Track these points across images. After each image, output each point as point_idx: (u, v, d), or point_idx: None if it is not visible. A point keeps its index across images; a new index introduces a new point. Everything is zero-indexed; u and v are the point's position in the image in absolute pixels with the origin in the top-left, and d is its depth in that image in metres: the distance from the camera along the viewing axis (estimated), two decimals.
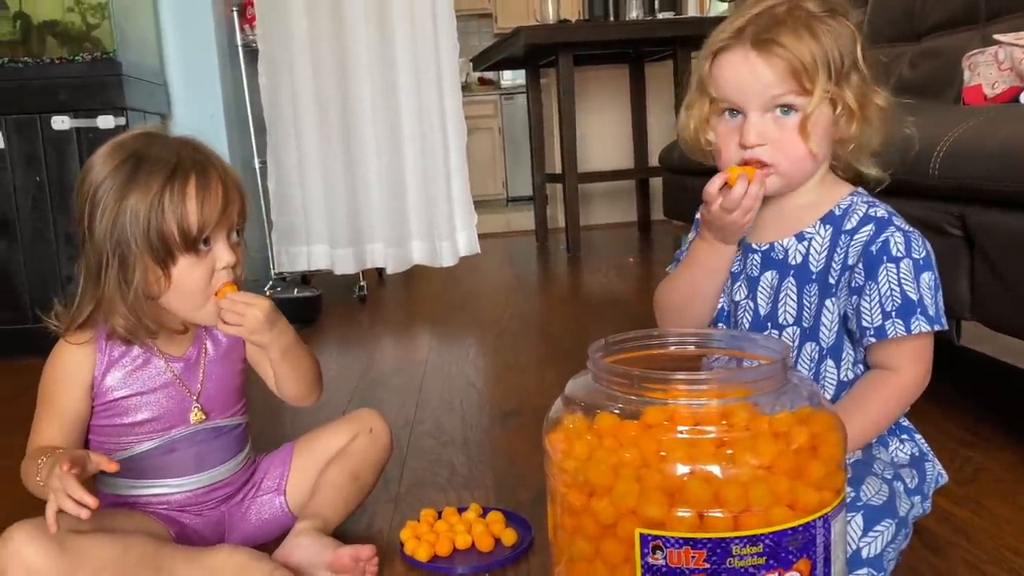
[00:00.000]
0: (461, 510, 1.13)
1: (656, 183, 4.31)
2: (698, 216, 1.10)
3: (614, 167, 4.61)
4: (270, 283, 2.79)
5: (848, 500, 0.83)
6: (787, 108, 0.92)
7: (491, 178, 6.72)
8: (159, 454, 1.01)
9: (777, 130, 0.92)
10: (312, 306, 2.65)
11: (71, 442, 0.97)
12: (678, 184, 2.73)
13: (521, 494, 1.21)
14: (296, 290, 2.72)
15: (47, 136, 2.33)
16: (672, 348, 0.78)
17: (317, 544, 0.99)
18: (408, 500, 1.23)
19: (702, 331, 0.86)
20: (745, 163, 0.93)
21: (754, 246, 1.00)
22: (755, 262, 1.00)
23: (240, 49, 3.01)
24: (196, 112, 2.89)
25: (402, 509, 1.19)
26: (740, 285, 1.01)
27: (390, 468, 1.35)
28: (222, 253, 0.96)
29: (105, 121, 2.32)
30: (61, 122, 2.32)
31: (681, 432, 0.66)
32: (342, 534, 1.09)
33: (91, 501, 0.81)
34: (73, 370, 0.98)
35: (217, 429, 1.05)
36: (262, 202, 2.99)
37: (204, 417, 1.03)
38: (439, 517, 1.12)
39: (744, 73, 0.92)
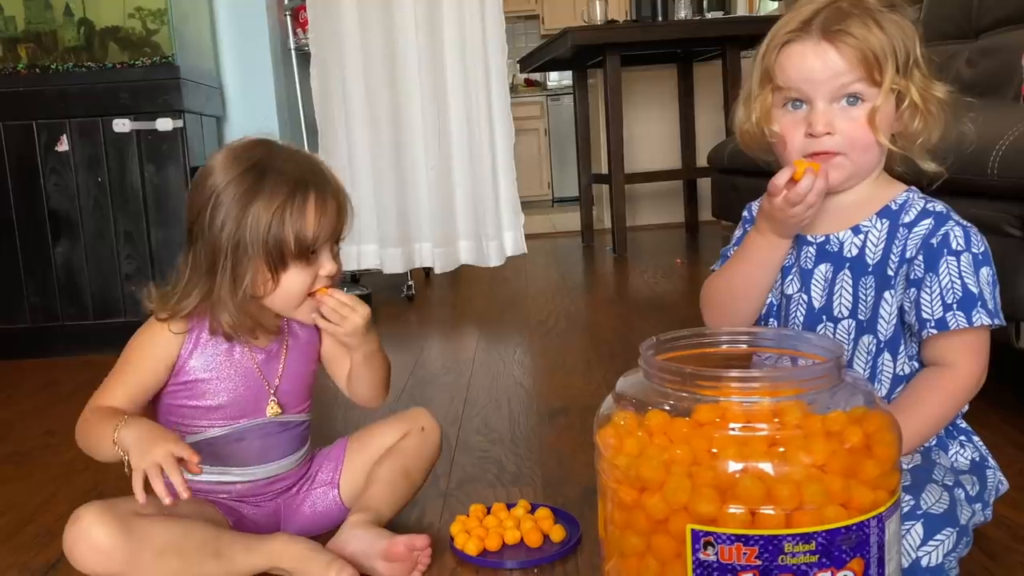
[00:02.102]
0: (510, 506, 1.14)
1: (704, 184, 4.29)
2: (745, 214, 1.10)
3: (661, 168, 4.58)
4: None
5: (908, 508, 0.82)
6: (854, 98, 0.92)
7: (537, 179, 6.74)
8: (227, 442, 1.04)
9: (844, 120, 0.92)
10: None
11: (134, 409, 1.00)
12: (727, 184, 2.71)
13: (569, 491, 1.22)
14: (346, 289, 2.77)
15: (108, 138, 2.40)
16: (724, 347, 0.78)
17: (371, 535, 1.01)
18: (457, 495, 1.24)
19: (754, 329, 0.86)
20: (812, 154, 0.94)
21: (809, 238, 1.00)
22: (809, 254, 0.99)
23: (293, 52, 3.07)
24: (250, 114, 2.96)
25: (451, 504, 1.21)
26: (792, 279, 1.01)
27: (439, 464, 1.36)
28: (326, 262, 1.01)
29: (164, 123, 2.39)
30: (122, 125, 2.40)
31: (733, 430, 0.66)
32: (393, 528, 1.11)
33: (186, 494, 0.86)
34: (161, 348, 1.02)
35: (285, 423, 1.08)
36: None
37: (280, 411, 1.06)
38: (488, 512, 1.13)
39: (814, 62, 0.93)
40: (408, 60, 2.83)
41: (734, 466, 0.64)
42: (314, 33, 2.83)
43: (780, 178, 0.93)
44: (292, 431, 1.10)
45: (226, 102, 2.93)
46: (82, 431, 0.98)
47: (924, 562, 0.81)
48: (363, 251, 2.94)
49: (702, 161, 4.12)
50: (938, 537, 0.83)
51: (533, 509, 1.13)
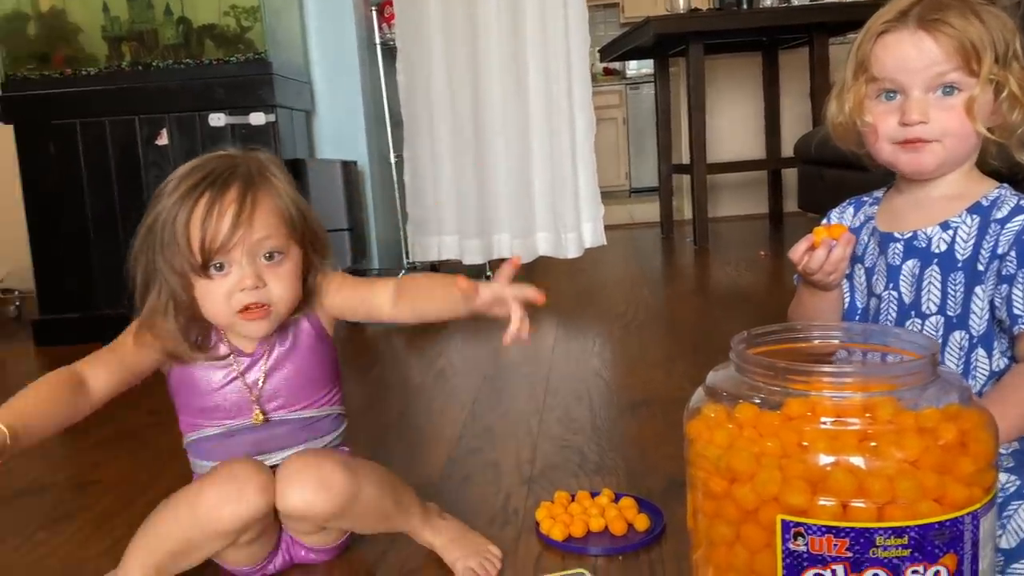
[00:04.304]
0: (593, 494, 1.16)
1: (789, 174, 4.20)
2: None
3: (744, 158, 4.51)
4: (402, 272, 2.91)
5: (1015, 488, 0.82)
6: (950, 88, 0.92)
7: (614, 169, 6.70)
8: (221, 439, 1.02)
9: (939, 110, 0.92)
10: None
11: (114, 384, 0.97)
12: (814, 175, 2.66)
13: (652, 482, 1.23)
14: None
15: (205, 132, 2.51)
16: (815, 342, 0.78)
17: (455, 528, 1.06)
18: (541, 482, 1.27)
19: (847, 324, 0.86)
20: (905, 141, 0.94)
21: (896, 235, 0.99)
22: (897, 251, 0.99)
23: (378, 47, 3.14)
24: (337, 109, 3.04)
25: (536, 491, 1.24)
26: (878, 278, 1.01)
27: (522, 451, 1.40)
28: (235, 273, 0.93)
29: (257, 118, 2.48)
30: (217, 119, 2.50)
31: (824, 424, 0.66)
32: (476, 514, 1.15)
33: None
34: (148, 348, 0.98)
35: (283, 420, 1.03)
36: (396, 195, 3.12)
37: (263, 419, 1.01)
38: (572, 500, 1.15)
39: (910, 51, 0.92)
40: (491, 52, 2.86)
41: (825, 459, 0.65)
42: (400, 28, 2.89)
43: (796, 252, 0.98)
44: (293, 424, 1.03)
45: (315, 96, 3.02)
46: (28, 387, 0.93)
47: None
48: (443, 242, 2.99)
49: (787, 151, 4.04)
50: None
51: (617, 498, 1.15)
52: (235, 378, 1.01)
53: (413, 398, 1.80)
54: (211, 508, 0.91)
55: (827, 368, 0.69)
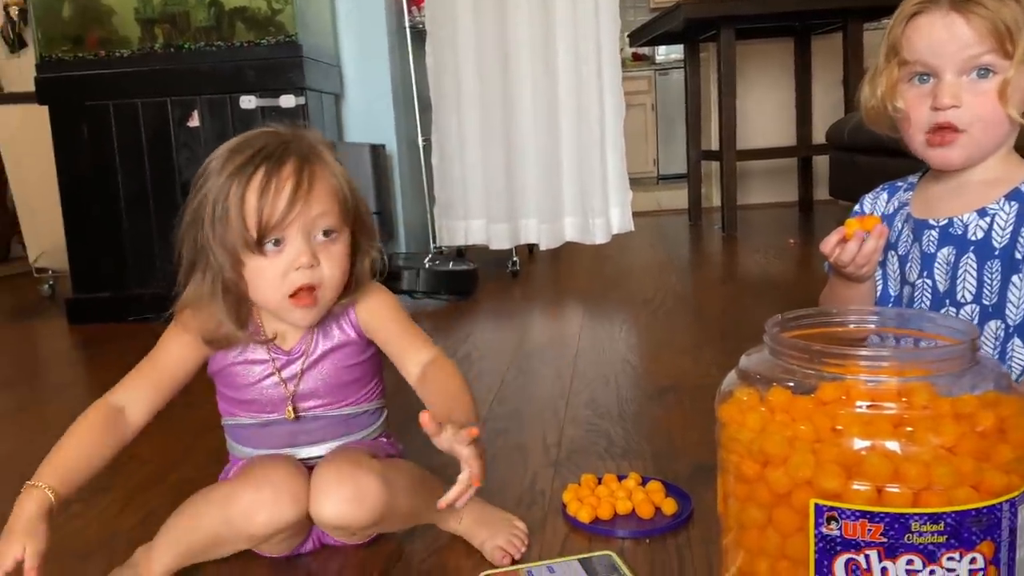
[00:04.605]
0: (620, 477, 1.16)
1: (820, 162, 4.15)
2: (857, 208, 1.10)
3: (774, 144, 4.46)
4: (429, 256, 2.92)
5: None
6: (984, 71, 0.90)
7: (642, 155, 6.65)
8: (255, 427, 1.02)
9: (972, 94, 0.90)
10: (470, 279, 2.75)
11: (148, 402, 0.97)
12: (847, 162, 2.63)
13: (679, 467, 1.23)
14: (452, 263, 2.83)
15: (236, 114, 2.53)
16: (852, 327, 0.77)
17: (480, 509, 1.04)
18: (567, 465, 1.27)
19: (882, 309, 0.85)
20: (936, 127, 0.93)
21: (931, 222, 0.97)
22: (932, 238, 0.97)
23: (407, 30, 3.13)
24: (367, 92, 3.05)
25: (562, 473, 1.24)
26: (911, 266, 0.99)
27: (549, 434, 1.40)
28: (291, 250, 0.91)
29: (287, 100, 2.49)
30: (248, 101, 2.51)
31: (859, 408, 0.66)
32: (504, 494, 1.15)
33: None
34: (188, 347, 0.98)
35: (318, 418, 1.02)
36: (424, 178, 3.12)
37: (295, 416, 1.00)
38: (599, 483, 1.15)
39: (942, 32, 0.91)
40: (520, 36, 2.85)
41: (860, 443, 0.64)
42: (429, 11, 2.88)
43: (827, 245, 0.97)
44: (331, 420, 1.02)
45: (344, 80, 3.02)
46: (72, 430, 0.94)
47: None
48: (470, 226, 2.99)
49: (818, 138, 3.99)
50: None
51: (644, 481, 1.14)
52: (271, 374, 1.00)
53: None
54: (243, 513, 0.90)
55: (863, 352, 0.68)
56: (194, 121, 2.56)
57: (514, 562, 0.99)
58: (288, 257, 0.92)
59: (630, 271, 3.09)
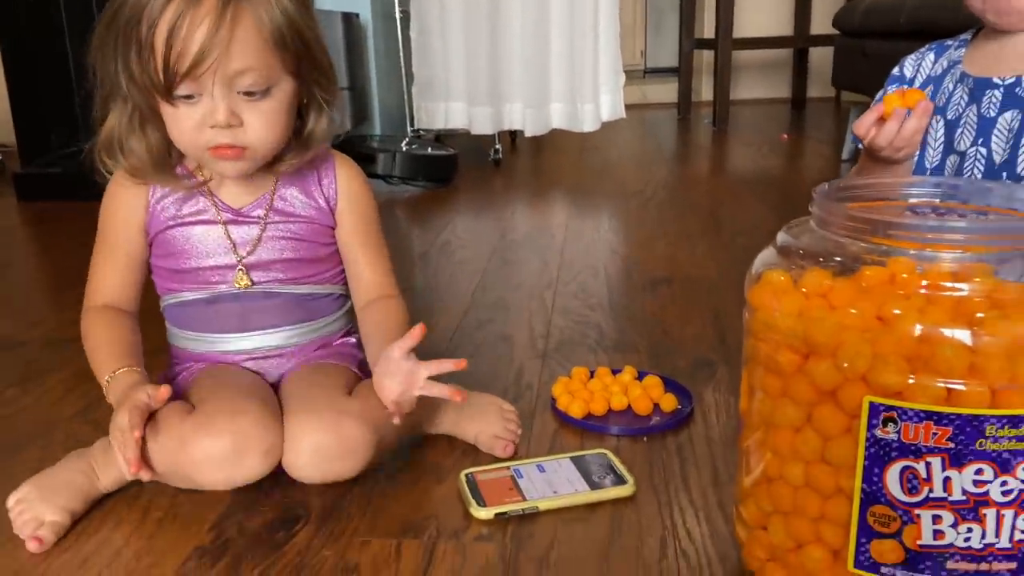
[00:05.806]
0: (615, 371, 1.06)
1: (815, 56, 3.97)
2: (895, 72, 0.96)
3: (768, 35, 4.25)
4: (406, 140, 2.74)
5: None
6: None
7: (629, 47, 6.37)
8: (200, 306, 0.89)
9: None
10: (448, 165, 2.59)
11: (129, 285, 0.88)
12: (856, 49, 2.46)
13: (678, 362, 1.13)
14: (430, 148, 2.67)
15: None
16: (912, 199, 0.65)
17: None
18: (556, 358, 1.17)
19: (947, 179, 0.73)
20: None
21: (995, 80, 0.84)
22: (994, 99, 0.84)
23: None
24: None
25: (551, 366, 1.14)
26: (963, 132, 0.86)
27: (536, 325, 1.30)
28: (207, 104, 0.77)
29: None
30: None
31: (925, 290, 0.55)
32: (487, 385, 1.05)
33: (146, 475, 0.77)
34: (125, 207, 0.87)
35: (273, 292, 0.89)
36: (401, 54, 2.91)
37: (250, 283, 0.87)
38: (591, 376, 1.05)
39: None
40: None
41: (927, 331, 0.53)
42: None
43: (861, 126, 0.85)
44: (287, 298, 0.90)
45: None
46: (86, 344, 0.86)
47: None
48: (450, 109, 2.81)
49: (817, 28, 3.80)
50: None
51: (640, 376, 1.05)
52: (215, 224, 0.86)
53: (417, 270, 1.68)
54: (201, 463, 0.76)
55: (935, 222, 0.56)
56: None
57: (516, 450, 0.90)
58: (201, 112, 0.78)
59: (618, 163, 2.94)
